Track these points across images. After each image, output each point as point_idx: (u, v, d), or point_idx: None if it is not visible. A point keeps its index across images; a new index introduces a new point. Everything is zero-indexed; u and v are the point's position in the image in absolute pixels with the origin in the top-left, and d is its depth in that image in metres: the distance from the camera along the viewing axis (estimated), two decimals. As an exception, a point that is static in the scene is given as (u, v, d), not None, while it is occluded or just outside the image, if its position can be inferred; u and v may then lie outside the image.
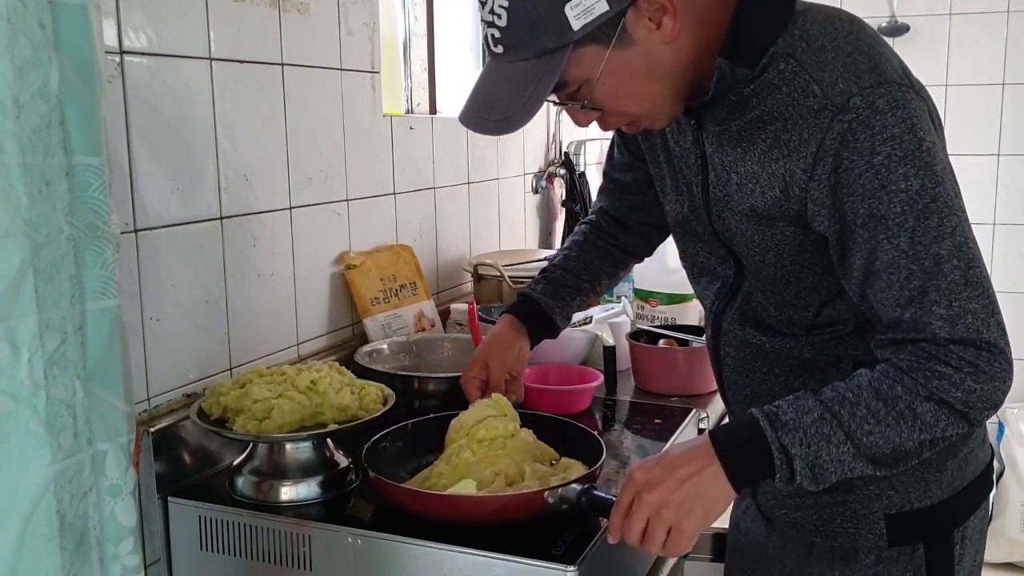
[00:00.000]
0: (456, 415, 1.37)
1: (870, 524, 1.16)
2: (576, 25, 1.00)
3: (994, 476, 1.31)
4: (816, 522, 1.19)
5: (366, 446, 1.32)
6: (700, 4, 1.06)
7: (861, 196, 1.00)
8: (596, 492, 1.17)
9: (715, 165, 1.15)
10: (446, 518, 1.20)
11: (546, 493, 1.17)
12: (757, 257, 1.15)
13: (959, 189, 1.03)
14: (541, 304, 1.49)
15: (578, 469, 1.30)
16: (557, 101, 1.12)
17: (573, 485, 1.18)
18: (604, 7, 0.99)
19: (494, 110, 1.07)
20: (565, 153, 2.79)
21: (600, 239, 1.53)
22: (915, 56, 3.32)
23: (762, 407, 1.05)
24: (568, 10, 0.99)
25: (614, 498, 1.09)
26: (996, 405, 1.01)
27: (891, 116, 0.99)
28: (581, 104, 1.09)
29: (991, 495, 1.25)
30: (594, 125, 1.20)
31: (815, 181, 1.03)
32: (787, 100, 1.04)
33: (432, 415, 1.44)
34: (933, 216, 0.98)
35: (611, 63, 1.04)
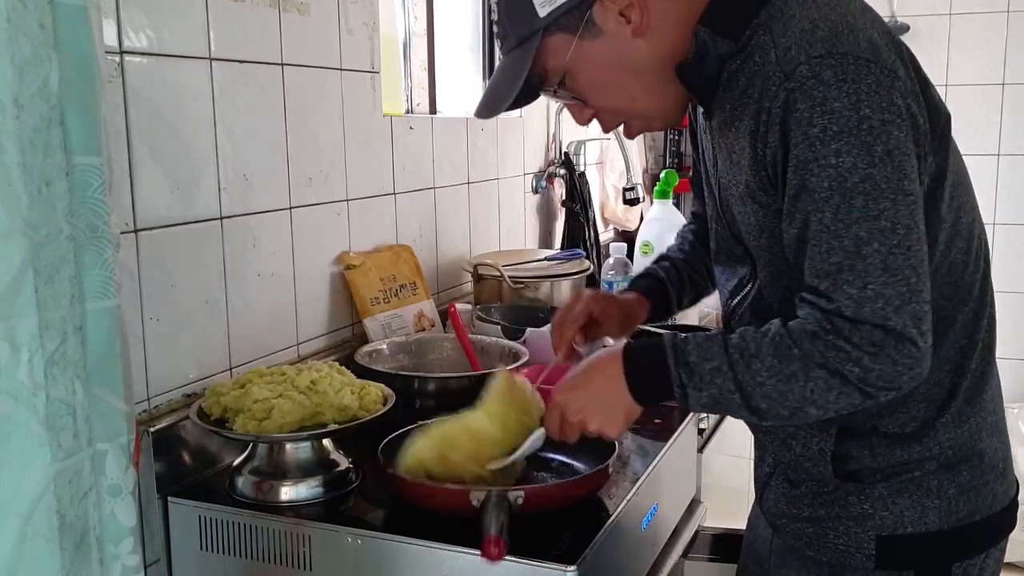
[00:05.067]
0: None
1: (860, 543, 1.13)
2: (542, 12, 1.09)
3: (1016, 516, 1.22)
4: (811, 535, 1.18)
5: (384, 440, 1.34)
6: (676, 2, 1.09)
7: (795, 167, 1.00)
8: (492, 502, 1.14)
9: (720, 152, 1.14)
10: (396, 493, 1.27)
11: (471, 495, 1.16)
12: (754, 242, 1.13)
13: (910, 172, 0.99)
14: (665, 281, 1.44)
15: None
16: (550, 96, 1.20)
17: (493, 491, 1.15)
18: None
19: (489, 97, 1.18)
20: (565, 153, 2.79)
21: (695, 237, 1.50)
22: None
23: (674, 335, 1.09)
24: None
25: (488, 511, 1.12)
26: (898, 388, 1.00)
27: (835, 89, 0.97)
28: (554, 92, 1.16)
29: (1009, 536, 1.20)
30: (595, 125, 1.22)
31: (769, 149, 1.03)
32: (756, 68, 1.04)
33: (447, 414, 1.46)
34: (859, 196, 0.97)
35: (581, 52, 1.11)
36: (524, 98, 1.16)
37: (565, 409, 1.15)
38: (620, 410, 1.12)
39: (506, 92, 1.14)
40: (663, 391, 1.08)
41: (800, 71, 0.98)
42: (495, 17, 1.16)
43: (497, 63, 1.20)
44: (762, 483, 1.29)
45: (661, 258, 1.49)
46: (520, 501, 1.15)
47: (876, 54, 0.99)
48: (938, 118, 1.07)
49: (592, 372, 1.15)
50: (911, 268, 0.98)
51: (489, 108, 1.17)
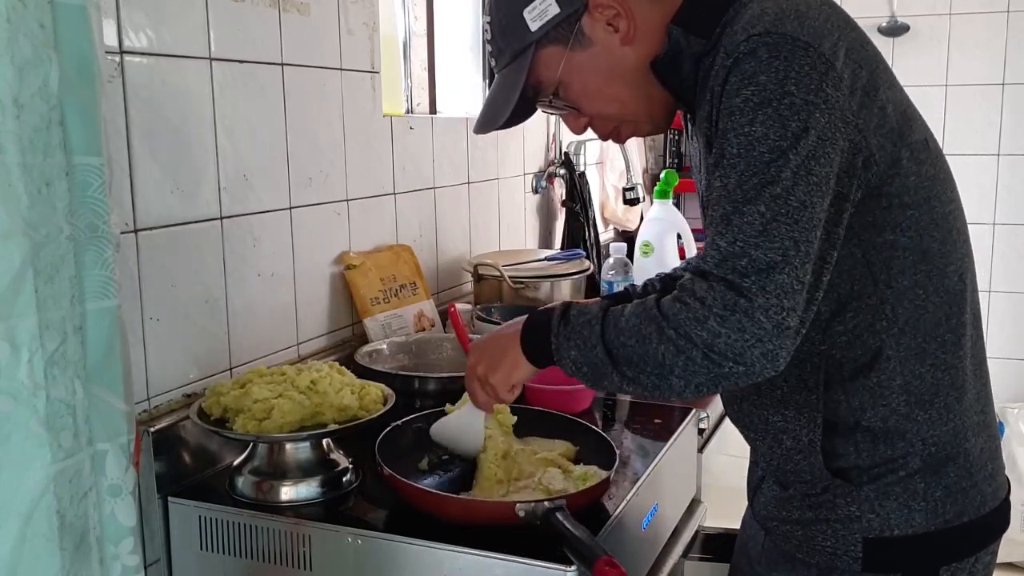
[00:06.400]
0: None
1: (848, 546, 1.13)
2: (533, 27, 1.12)
3: (1008, 517, 1.21)
4: (801, 537, 1.17)
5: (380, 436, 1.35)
6: (658, 6, 1.11)
7: (718, 139, 1.01)
8: (559, 517, 1.13)
9: (704, 156, 1.15)
10: (416, 508, 1.24)
11: (517, 506, 1.16)
12: None
13: (822, 158, 0.97)
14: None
15: (592, 477, 1.30)
16: (545, 108, 1.22)
17: (544, 503, 1.15)
18: (556, 9, 1.11)
19: (487, 113, 1.21)
20: (565, 153, 2.79)
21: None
22: (915, 56, 3.34)
23: (573, 301, 1.13)
24: (526, 14, 1.12)
25: (573, 530, 1.11)
26: (747, 364, 0.96)
27: (766, 64, 0.97)
28: (550, 102, 1.18)
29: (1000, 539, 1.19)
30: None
31: (713, 128, 1.04)
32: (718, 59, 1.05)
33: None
34: (763, 165, 0.96)
35: (573, 63, 1.14)
36: (519, 115, 1.19)
37: (470, 356, 1.23)
38: (508, 358, 1.16)
39: (503, 106, 1.17)
40: (543, 341, 1.11)
41: (739, 48, 1.00)
42: (488, 37, 1.19)
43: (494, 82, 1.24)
44: (754, 486, 1.29)
45: (630, 285, 1.51)
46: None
47: (817, 41, 0.99)
48: (894, 128, 1.05)
49: (495, 342, 1.21)
50: (792, 241, 0.96)
51: (487, 123, 1.21)
